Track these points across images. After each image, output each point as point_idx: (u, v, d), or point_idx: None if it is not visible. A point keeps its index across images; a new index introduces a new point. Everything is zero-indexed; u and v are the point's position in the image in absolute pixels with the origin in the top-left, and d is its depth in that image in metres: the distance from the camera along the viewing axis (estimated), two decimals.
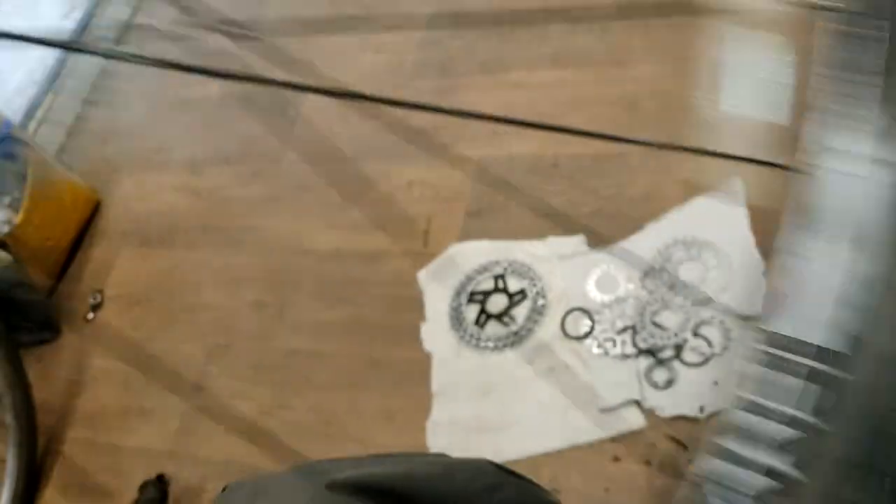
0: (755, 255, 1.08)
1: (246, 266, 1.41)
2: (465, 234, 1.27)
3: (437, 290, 1.23)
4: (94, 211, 1.64)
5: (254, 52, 1.72)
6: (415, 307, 1.23)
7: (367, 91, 1.52)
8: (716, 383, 1.00)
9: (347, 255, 1.34)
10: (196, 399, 1.30)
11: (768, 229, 1.09)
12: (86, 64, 1.96)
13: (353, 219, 1.38)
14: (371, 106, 1.50)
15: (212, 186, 1.55)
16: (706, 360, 1.02)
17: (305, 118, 1.55)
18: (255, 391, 1.26)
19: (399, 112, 1.47)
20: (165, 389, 1.33)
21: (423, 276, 1.25)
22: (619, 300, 1.11)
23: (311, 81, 1.60)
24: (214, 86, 1.71)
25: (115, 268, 1.54)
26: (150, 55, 1.86)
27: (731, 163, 1.17)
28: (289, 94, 1.60)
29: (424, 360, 1.17)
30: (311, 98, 1.57)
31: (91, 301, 1.50)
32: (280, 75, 1.64)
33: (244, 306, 1.36)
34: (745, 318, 1.03)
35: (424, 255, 1.28)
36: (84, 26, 2.09)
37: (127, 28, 1.97)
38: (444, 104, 1.44)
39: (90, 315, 1.49)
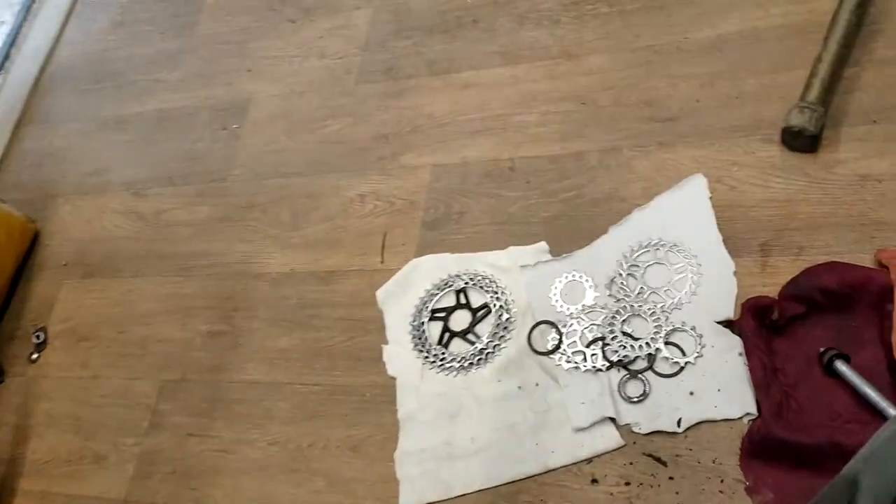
0: (723, 253, 1.04)
1: (196, 294, 1.33)
2: (423, 247, 1.22)
3: (397, 308, 1.17)
4: (33, 242, 1.55)
5: (192, 61, 1.64)
6: (375, 328, 1.17)
7: (316, 99, 1.46)
8: (691, 394, 0.96)
9: (302, 277, 1.27)
10: (151, 440, 1.23)
11: (735, 226, 1.05)
12: (16, 83, 1.85)
13: (305, 237, 1.31)
14: (319, 116, 1.43)
15: (155, 209, 1.47)
16: (680, 370, 0.98)
17: (249, 132, 1.48)
18: (213, 428, 1.20)
19: (346, 121, 1.41)
20: (118, 431, 1.26)
21: (381, 294, 1.19)
22: (587, 310, 1.06)
23: (256, 89, 1.53)
24: (152, 101, 1.62)
25: (59, 302, 1.46)
26: (82, 67, 1.76)
27: (692, 158, 1.13)
28: (231, 107, 1.53)
29: (389, 385, 1.12)
30: (254, 111, 1.50)
31: (34, 340, 1.42)
32: (220, 84, 1.57)
33: (197, 337, 1.29)
34: (718, 322, 0.99)
35: (382, 271, 1.22)
36: (11, 42, 1.98)
37: (57, 42, 1.87)
38: (393, 108, 1.38)
39: (34, 355, 1.41)
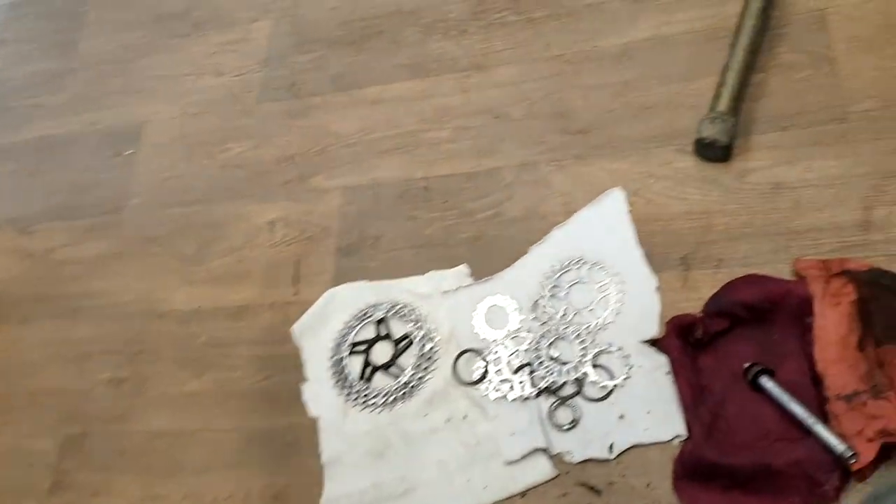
0: (645, 270, 1.02)
1: (94, 338, 1.24)
2: (339, 276, 1.16)
3: (314, 343, 1.11)
4: None
5: (75, 83, 1.53)
6: (293, 366, 1.11)
7: (214, 120, 1.38)
8: (621, 417, 0.94)
9: (210, 313, 1.19)
10: (56, 501, 1.13)
11: (655, 240, 1.04)
12: None
13: (211, 271, 1.23)
14: (219, 139, 1.35)
15: (43, 247, 1.35)
16: (609, 393, 0.96)
17: (143, 159, 1.38)
18: (121, 483, 1.11)
19: (249, 143, 1.33)
20: (17, 495, 1.15)
21: (297, 329, 1.13)
22: (512, 335, 1.03)
23: (149, 111, 1.43)
24: (33, 127, 1.50)
25: None
26: None
27: (608, 170, 1.11)
28: (122, 132, 1.42)
29: (310, 426, 1.06)
30: (148, 135, 1.40)
31: None
32: (109, 107, 1.47)
33: (97, 385, 1.19)
34: (643, 341, 0.97)
35: (297, 304, 1.15)
36: None
37: None
38: (298, 128, 1.31)
39: None
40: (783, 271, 0.97)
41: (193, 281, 1.23)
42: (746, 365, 0.91)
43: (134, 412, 1.16)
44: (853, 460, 0.79)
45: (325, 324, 1.12)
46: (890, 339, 0.86)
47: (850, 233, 0.97)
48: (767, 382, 0.89)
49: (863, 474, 0.81)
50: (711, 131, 1.03)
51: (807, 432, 0.84)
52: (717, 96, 1.06)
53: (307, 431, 1.06)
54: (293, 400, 1.08)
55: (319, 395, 1.07)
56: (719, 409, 0.91)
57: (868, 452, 0.79)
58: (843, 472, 0.81)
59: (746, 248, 1.00)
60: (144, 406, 1.16)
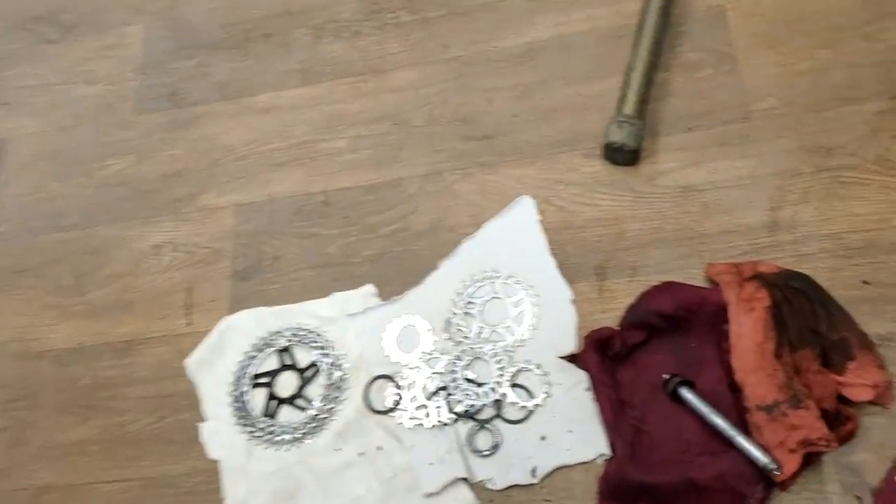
0: (560, 281, 0.98)
1: None
2: (236, 303, 1.07)
3: (212, 378, 1.03)
4: None
5: None
6: (189, 404, 1.02)
7: (89, 134, 1.26)
8: (543, 439, 0.90)
9: (93, 351, 1.08)
10: None
11: (567, 249, 1.01)
12: None
13: (92, 303, 1.12)
14: (96, 155, 1.23)
15: None
16: (529, 414, 0.92)
17: (9, 180, 1.25)
18: None
19: (129, 159, 1.22)
20: None
21: (191, 363, 1.04)
22: (425, 358, 0.97)
23: (13, 126, 1.30)
24: None
25: None
26: None
27: (516, 178, 1.06)
28: None
29: (211, 469, 0.97)
30: (13, 153, 1.27)
31: None
32: None
33: None
34: (561, 357, 0.94)
35: (190, 335, 1.06)
36: None
37: None
38: (183, 141, 1.21)
39: None
40: (696, 276, 0.95)
41: (73, 315, 1.12)
42: (665, 377, 0.88)
43: (14, 466, 1.04)
44: (777, 472, 0.78)
45: (222, 355, 1.03)
46: (804, 344, 0.85)
47: (759, 234, 0.96)
48: (687, 394, 0.87)
49: (786, 485, 0.80)
50: (619, 136, 1.00)
51: (729, 444, 0.82)
52: (622, 98, 1.03)
53: (207, 476, 0.97)
54: (190, 442, 1.00)
55: (220, 435, 0.99)
56: (641, 423, 0.88)
57: (791, 463, 0.78)
58: (767, 483, 0.80)
59: (659, 255, 0.98)
60: (26, 459, 1.04)
